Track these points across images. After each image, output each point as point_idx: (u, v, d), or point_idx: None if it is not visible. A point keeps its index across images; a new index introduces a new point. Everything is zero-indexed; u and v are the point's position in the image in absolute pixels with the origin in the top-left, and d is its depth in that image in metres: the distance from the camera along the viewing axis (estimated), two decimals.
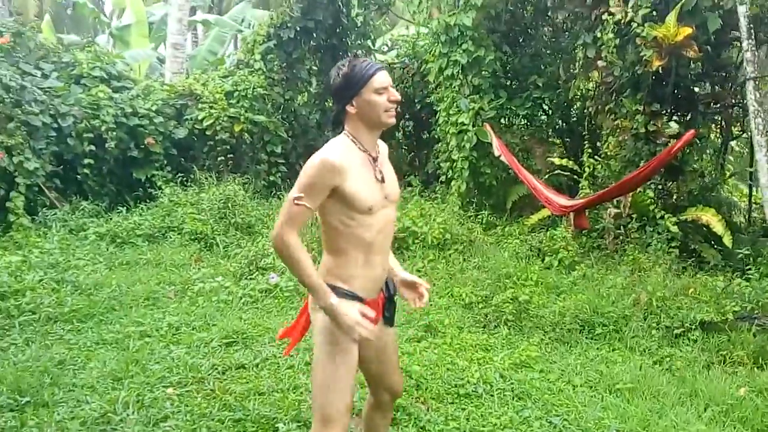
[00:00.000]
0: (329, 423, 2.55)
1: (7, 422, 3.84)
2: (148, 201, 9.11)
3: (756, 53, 5.61)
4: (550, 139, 9.70)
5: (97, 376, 4.47)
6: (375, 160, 2.61)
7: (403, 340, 5.18)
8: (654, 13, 6.52)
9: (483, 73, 8.39)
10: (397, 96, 2.56)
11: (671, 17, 6.14)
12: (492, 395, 4.26)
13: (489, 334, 5.40)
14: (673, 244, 6.65)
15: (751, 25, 5.57)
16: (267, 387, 4.34)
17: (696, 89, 7.50)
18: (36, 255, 6.83)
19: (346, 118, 2.58)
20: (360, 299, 2.62)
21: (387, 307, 2.80)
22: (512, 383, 4.42)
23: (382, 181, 2.61)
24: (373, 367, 2.88)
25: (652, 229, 6.87)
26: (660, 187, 7.67)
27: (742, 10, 5.54)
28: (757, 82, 5.59)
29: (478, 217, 8.27)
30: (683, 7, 6.22)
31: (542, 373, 4.62)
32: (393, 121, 2.57)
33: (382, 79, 2.52)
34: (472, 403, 4.19)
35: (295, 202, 2.45)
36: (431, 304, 6.02)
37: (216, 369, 4.65)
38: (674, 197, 7.46)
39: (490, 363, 4.76)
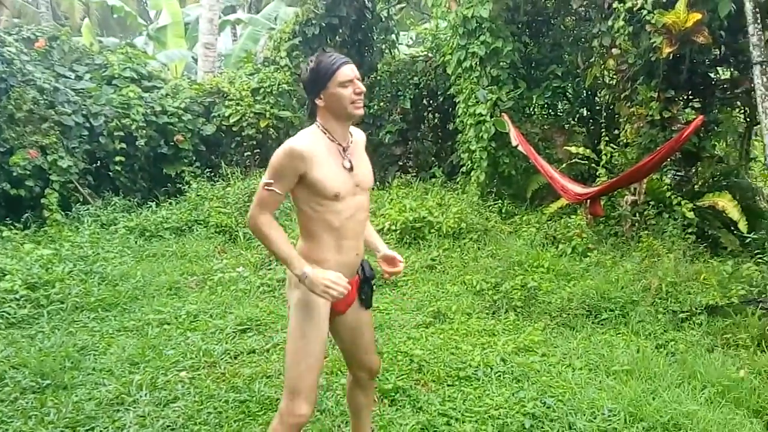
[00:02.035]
0: (298, 395, 2.70)
1: (29, 403, 4.11)
2: (177, 196, 9.42)
3: (762, 37, 5.56)
4: (573, 128, 9.68)
5: (116, 360, 4.73)
6: (345, 149, 2.75)
7: (410, 326, 5.33)
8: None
9: (501, 64, 8.43)
10: (362, 88, 2.69)
11: (681, 3, 6.12)
12: (491, 378, 4.36)
13: (496, 319, 5.49)
14: (689, 231, 6.62)
15: (757, 10, 5.52)
16: (274, 370, 4.52)
17: (712, 75, 7.43)
18: (67, 248, 7.16)
19: (317, 111, 2.72)
20: None
21: (362, 289, 2.94)
22: (512, 366, 4.51)
23: (351, 169, 2.73)
24: (348, 346, 3.03)
25: (668, 216, 6.85)
26: (679, 173, 7.63)
27: None
28: (764, 67, 5.53)
29: (497, 206, 8.33)
30: None
31: (544, 357, 4.70)
32: (360, 112, 2.70)
33: (347, 72, 2.65)
34: (471, 385, 4.30)
35: (265, 188, 2.61)
36: (442, 292, 6.16)
37: (228, 354, 4.86)
38: (693, 183, 7.42)
39: (493, 347, 4.85)
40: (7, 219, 8.14)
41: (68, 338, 5.15)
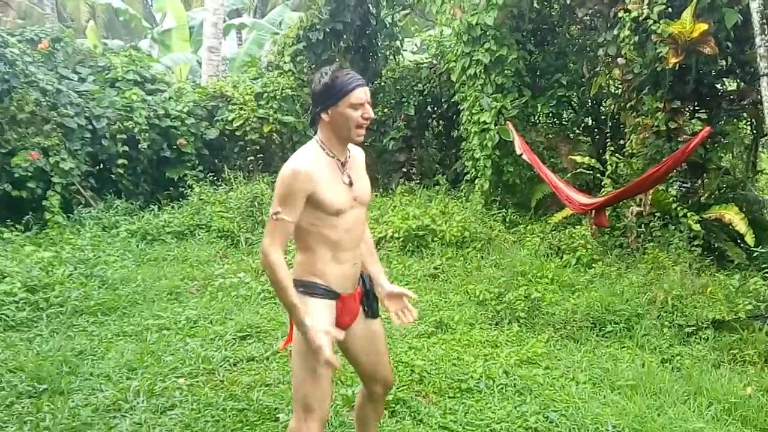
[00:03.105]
0: (309, 412, 2.66)
1: (25, 408, 4.06)
2: (179, 200, 9.38)
3: None
4: (578, 137, 9.63)
5: (114, 366, 4.67)
6: (343, 164, 2.71)
7: (412, 336, 5.26)
8: (670, 9, 6.45)
9: (506, 71, 8.37)
10: (372, 114, 2.65)
11: (687, 13, 6.08)
12: (493, 390, 4.30)
13: (499, 330, 5.42)
14: (695, 243, 6.55)
15: (764, 20, 5.48)
16: (273, 379, 4.47)
17: (719, 86, 7.39)
18: (68, 251, 7.12)
19: (320, 124, 2.68)
20: (336, 294, 2.73)
21: (366, 301, 2.89)
22: (515, 379, 4.45)
23: (350, 184, 2.71)
24: (362, 360, 2.95)
25: (674, 228, 6.79)
26: (685, 184, 7.58)
27: (754, 5, 5.45)
28: None
29: (500, 215, 8.28)
30: (700, 3, 6.14)
31: (547, 370, 4.64)
32: (361, 139, 2.66)
33: (360, 95, 2.59)
34: (472, 397, 4.24)
35: (275, 217, 2.56)
36: (445, 301, 6.10)
37: (227, 361, 4.80)
38: (699, 195, 7.37)
39: (496, 359, 4.79)
40: (8, 221, 8.08)
41: (66, 342, 5.10)
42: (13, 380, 4.38)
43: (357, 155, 2.84)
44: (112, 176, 9.38)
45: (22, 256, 6.76)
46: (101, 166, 9.44)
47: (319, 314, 2.64)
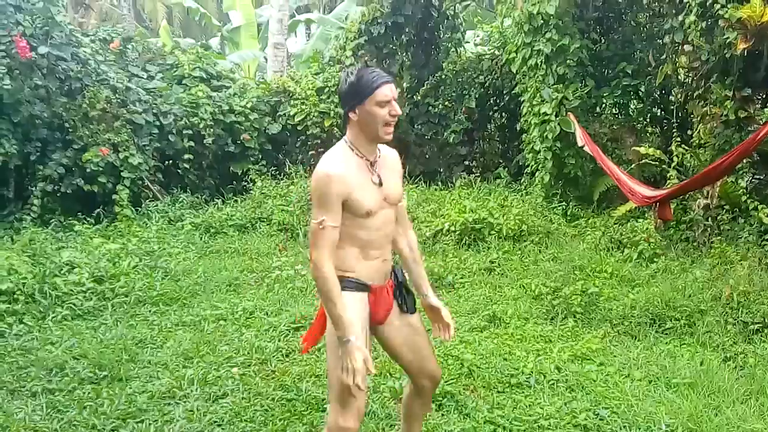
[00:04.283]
0: (345, 406, 2.66)
1: (86, 393, 4.23)
2: (243, 194, 9.59)
3: None
4: (645, 128, 9.33)
5: (171, 354, 4.81)
6: (372, 164, 2.72)
7: (464, 330, 5.22)
8: None
9: (568, 61, 8.18)
10: (398, 111, 2.64)
11: None
12: (543, 386, 4.23)
13: (554, 325, 5.32)
14: (766, 237, 6.27)
15: None
16: (323, 370, 4.49)
17: None
18: (134, 243, 7.36)
19: (348, 124, 2.69)
20: (367, 286, 2.74)
21: (399, 295, 2.88)
22: (567, 375, 4.36)
23: (380, 184, 2.71)
24: (405, 356, 2.94)
25: (744, 221, 6.51)
26: (757, 176, 7.25)
27: None
28: None
29: (561, 208, 8.11)
30: None
31: (601, 366, 4.52)
32: (389, 137, 2.66)
33: (386, 92, 2.59)
34: (522, 392, 4.18)
35: (321, 226, 2.57)
36: (499, 295, 6.02)
37: (280, 351, 4.88)
38: None
39: (548, 354, 4.71)
40: (81, 214, 8.45)
41: (128, 331, 5.28)
42: (77, 367, 4.56)
43: (390, 156, 2.84)
44: (179, 171, 9.68)
45: (91, 247, 7.04)
46: (168, 161, 9.75)
47: (352, 308, 2.63)
